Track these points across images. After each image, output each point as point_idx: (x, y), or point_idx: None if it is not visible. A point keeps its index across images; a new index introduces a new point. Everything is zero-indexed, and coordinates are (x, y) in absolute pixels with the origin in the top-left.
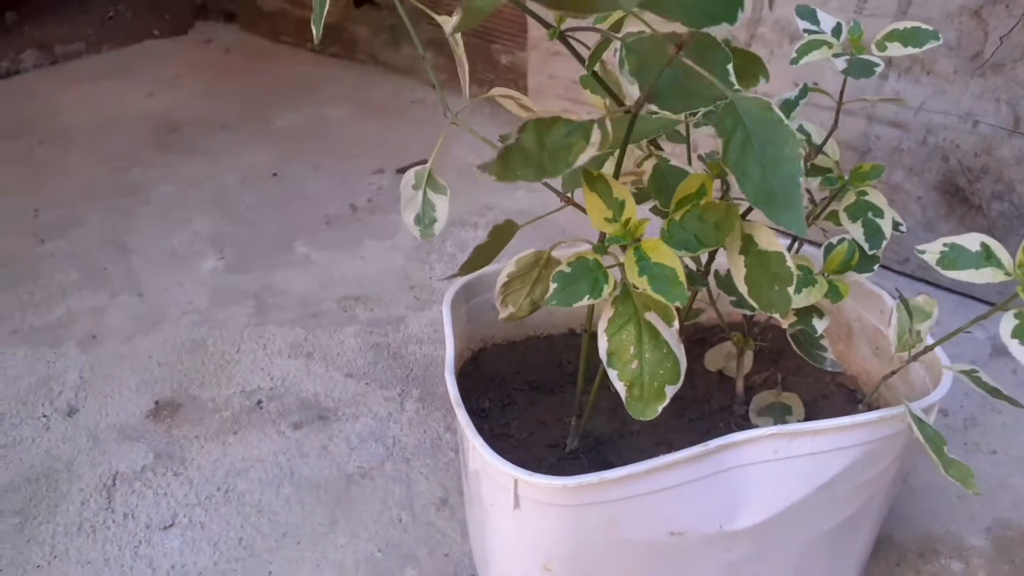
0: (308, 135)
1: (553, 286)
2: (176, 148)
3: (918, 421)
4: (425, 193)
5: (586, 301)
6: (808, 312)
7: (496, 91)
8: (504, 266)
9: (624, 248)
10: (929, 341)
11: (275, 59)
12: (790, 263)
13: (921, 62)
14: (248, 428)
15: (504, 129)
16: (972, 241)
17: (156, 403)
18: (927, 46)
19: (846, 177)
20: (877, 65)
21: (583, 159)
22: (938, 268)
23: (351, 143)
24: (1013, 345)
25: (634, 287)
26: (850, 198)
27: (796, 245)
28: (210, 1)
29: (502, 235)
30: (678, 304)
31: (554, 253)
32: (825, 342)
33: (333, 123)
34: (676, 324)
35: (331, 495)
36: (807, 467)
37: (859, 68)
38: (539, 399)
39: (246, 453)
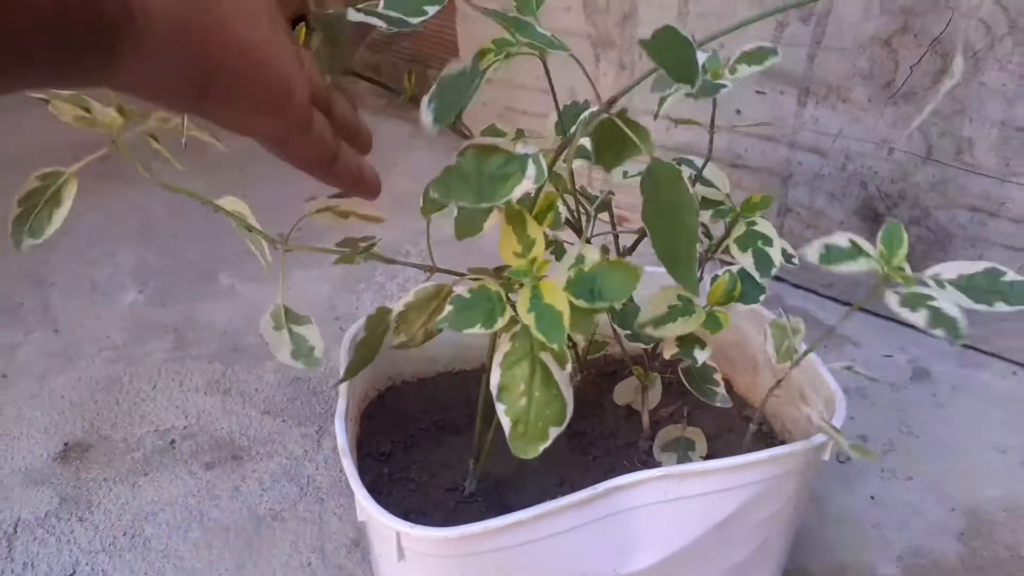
0: (241, 162)
1: (448, 308)
2: (106, 177)
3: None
4: (290, 330)
5: (478, 329)
6: (689, 343)
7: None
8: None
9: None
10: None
11: None
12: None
13: (837, 90)
14: (159, 469)
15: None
16: (842, 239)
17: (66, 444)
18: (767, 63)
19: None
20: (723, 86)
21: (518, 192)
22: (821, 263)
23: (284, 169)
24: (905, 313)
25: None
26: (740, 228)
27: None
28: None
29: (378, 324)
30: (555, 345)
31: (456, 288)
32: (717, 376)
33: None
34: (568, 367)
35: (241, 538)
36: (700, 508)
37: (703, 90)
38: (444, 439)
39: (156, 496)
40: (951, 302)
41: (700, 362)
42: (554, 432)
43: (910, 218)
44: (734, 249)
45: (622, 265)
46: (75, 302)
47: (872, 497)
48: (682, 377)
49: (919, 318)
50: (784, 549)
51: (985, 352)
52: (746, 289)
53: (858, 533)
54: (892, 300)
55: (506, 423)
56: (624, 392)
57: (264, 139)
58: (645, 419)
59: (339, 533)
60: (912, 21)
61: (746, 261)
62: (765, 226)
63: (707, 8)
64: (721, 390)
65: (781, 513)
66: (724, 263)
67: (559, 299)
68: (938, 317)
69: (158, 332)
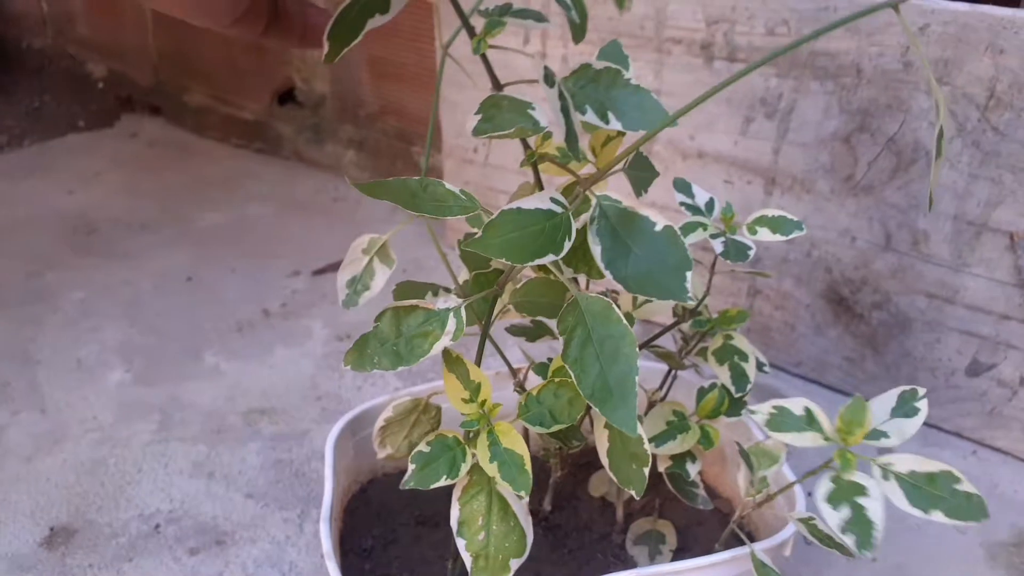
0: (228, 235)
1: (411, 467)
2: (93, 251)
3: (760, 566)
4: (371, 260)
5: (444, 482)
6: (682, 457)
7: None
8: (381, 407)
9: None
10: (790, 477)
11: (200, 154)
12: (647, 446)
13: (801, 181)
14: (144, 555)
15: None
16: (797, 405)
17: (51, 529)
18: (792, 235)
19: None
20: (750, 249)
21: (438, 348)
22: (766, 429)
23: (270, 243)
24: (825, 509)
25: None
26: (718, 341)
27: (670, 381)
28: (136, 94)
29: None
30: (521, 493)
31: (432, 400)
32: (697, 479)
33: (254, 222)
34: (526, 497)
35: None
36: None
37: (735, 252)
38: (424, 534)
39: None
40: (880, 500)
41: (692, 476)
42: (515, 564)
43: (872, 302)
44: (712, 361)
45: (567, 384)
46: (62, 381)
47: None
48: (667, 481)
49: (834, 517)
50: None
51: (946, 431)
52: (731, 402)
53: None
54: (820, 490)
55: (467, 559)
56: (599, 483)
57: None
58: (619, 512)
59: None
60: (868, 121)
61: (723, 375)
62: (741, 341)
63: (673, 105)
64: (702, 492)
65: None
66: (694, 366)
67: (517, 442)
68: (856, 520)
69: (143, 412)
